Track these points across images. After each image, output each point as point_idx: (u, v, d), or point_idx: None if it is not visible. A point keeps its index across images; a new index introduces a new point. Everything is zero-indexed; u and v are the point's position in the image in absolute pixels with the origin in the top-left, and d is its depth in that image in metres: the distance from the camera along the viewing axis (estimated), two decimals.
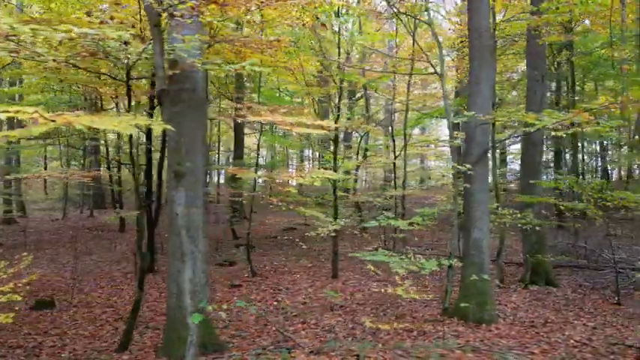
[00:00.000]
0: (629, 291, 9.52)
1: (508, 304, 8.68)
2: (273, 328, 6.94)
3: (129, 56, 6.03)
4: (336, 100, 10.81)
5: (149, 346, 6.43)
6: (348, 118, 14.15)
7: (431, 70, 8.31)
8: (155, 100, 7.53)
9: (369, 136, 17.63)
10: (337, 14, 10.17)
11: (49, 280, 10.91)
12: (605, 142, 22.40)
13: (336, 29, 10.41)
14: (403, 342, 5.85)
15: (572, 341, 6.45)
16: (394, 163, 13.74)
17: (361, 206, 14.48)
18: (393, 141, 14.36)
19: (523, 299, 9.02)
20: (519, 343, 6.25)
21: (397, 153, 14.20)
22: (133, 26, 6.85)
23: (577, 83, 18.21)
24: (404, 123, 13.63)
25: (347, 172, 12.39)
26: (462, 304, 7.40)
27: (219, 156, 23.39)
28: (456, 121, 7.51)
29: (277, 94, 17.44)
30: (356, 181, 15.45)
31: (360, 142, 16.13)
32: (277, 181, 5.27)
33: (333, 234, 9.92)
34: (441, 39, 8.20)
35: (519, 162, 13.56)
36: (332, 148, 11.50)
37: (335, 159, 11.34)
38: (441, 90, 8.43)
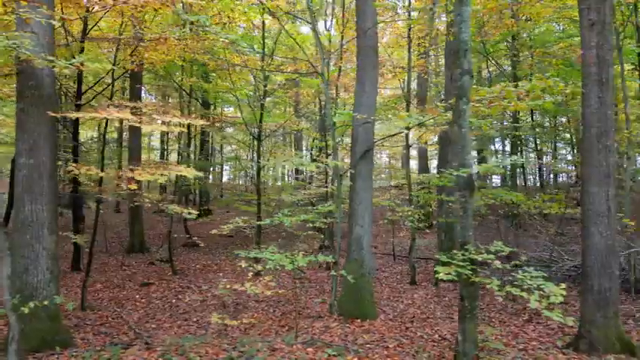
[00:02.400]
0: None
1: (405, 301, 8.79)
2: (150, 325, 6.97)
3: None
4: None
5: None
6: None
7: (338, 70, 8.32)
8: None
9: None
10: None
11: None
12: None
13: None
14: (248, 337, 5.90)
15: (436, 336, 6.54)
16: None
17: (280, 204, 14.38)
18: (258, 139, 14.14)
19: (425, 296, 9.13)
20: (380, 338, 6.33)
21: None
22: None
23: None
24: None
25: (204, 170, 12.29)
26: (343, 301, 7.50)
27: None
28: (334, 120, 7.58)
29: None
30: (278, 178, 15.40)
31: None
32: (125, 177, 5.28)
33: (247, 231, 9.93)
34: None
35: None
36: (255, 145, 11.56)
37: (259, 156, 11.40)
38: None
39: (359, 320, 7.11)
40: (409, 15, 10.26)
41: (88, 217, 14.04)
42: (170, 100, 22.91)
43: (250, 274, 6.24)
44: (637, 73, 13.58)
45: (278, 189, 19.49)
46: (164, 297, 8.96)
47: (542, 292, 4.02)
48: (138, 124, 5.49)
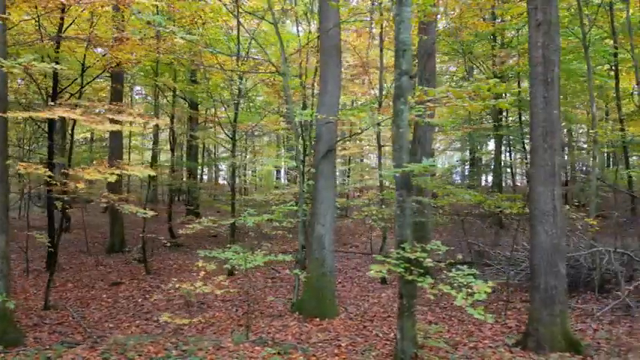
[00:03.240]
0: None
1: (371, 300, 8.82)
2: (109, 324, 7.00)
3: None
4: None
5: None
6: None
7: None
8: None
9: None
10: None
11: None
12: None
13: None
14: (199, 336, 5.93)
15: (392, 335, 6.56)
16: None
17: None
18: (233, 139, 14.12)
19: (392, 295, 9.14)
20: (335, 337, 6.37)
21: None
22: None
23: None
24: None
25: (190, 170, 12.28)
26: (304, 300, 7.53)
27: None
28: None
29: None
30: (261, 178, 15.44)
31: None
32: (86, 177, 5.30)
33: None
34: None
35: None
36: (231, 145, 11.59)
37: (233, 156, 11.41)
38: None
39: (318, 319, 7.14)
40: (371, 15, 10.25)
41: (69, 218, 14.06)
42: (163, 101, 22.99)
43: (202, 273, 6.24)
44: (613, 72, 13.67)
45: (265, 189, 19.55)
46: (131, 296, 8.98)
47: (469, 290, 4.05)
48: (88, 124, 5.50)
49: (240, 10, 8.63)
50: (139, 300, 8.74)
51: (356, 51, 12.13)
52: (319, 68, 7.77)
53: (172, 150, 15.19)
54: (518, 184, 23.91)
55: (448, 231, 14.53)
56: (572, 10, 9.95)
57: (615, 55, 12.96)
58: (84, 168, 5.51)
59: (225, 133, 11.86)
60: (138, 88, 23.87)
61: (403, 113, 4.70)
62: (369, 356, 5.52)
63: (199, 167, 24.71)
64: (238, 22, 11.31)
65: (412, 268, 4.42)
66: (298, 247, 7.80)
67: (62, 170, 6.22)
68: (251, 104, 16.01)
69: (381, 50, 10.57)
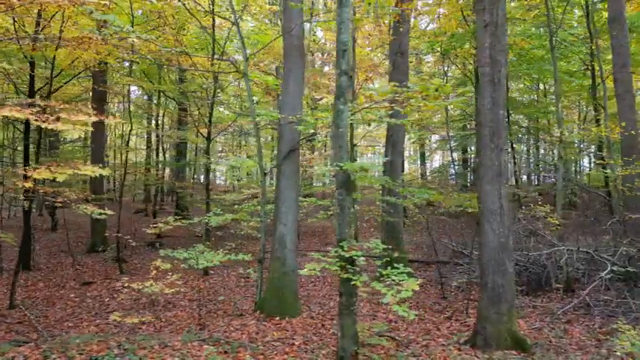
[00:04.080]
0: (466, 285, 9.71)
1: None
2: (68, 324, 7.02)
3: None
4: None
5: None
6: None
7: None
8: None
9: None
10: None
11: None
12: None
13: None
14: (157, 334, 5.96)
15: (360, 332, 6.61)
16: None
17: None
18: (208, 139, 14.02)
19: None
20: (291, 335, 6.40)
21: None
22: None
23: None
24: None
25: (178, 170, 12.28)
26: (266, 299, 7.57)
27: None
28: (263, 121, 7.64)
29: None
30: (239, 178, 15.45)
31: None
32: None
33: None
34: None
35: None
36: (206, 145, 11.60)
37: (207, 155, 11.44)
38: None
39: (278, 318, 7.17)
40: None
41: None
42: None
43: (153, 272, 6.27)
44: (589, 72, 13.75)
45: (245, 188, 19.58)
46: (99, 296, 9.00)
47: (399, 288, 4.09)
48: (40, 124, 5.52)
49: (200, 9, 8.66)
50: (106, 300, 8.77)
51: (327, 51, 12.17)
52: (283, 69, 7.78)
53: (155, 150, 15.22)
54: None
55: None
56: (539, 10, 9.99)
57: (591, 55, 13.05)
58: (35, 168, 5.52)
59: (200, 133, 11.87)
60: (134, 88, 23.96)
61: (343, 113, 4.74)
62: (319, 354, 5.55)
63: (188, 167, 24.81)
64: (213, 25, 11.36)
65: (347, 266, 4.45)
66: (260, 246, 7.82)
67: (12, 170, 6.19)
68: (238, 104, 16.06)
69: (353, 50, 10.61)
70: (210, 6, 10.92)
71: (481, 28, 5.67)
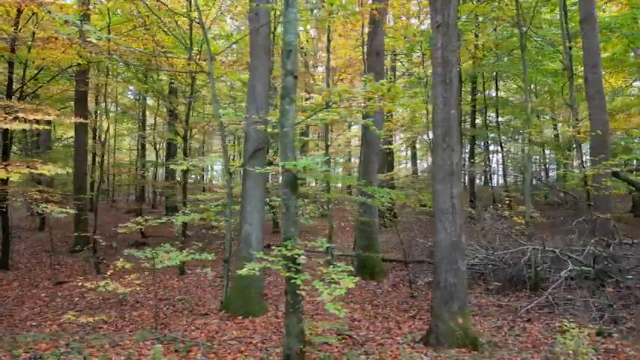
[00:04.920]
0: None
1: (309, 298, 8.86)
2: (32, 323, 7.04)
3: None
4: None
5: None
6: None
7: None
8: None
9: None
10: None
11: None
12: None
13: None
14: (114, 334, 5.99)
15: (320, 331, 6.64)
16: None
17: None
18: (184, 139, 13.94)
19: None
20: (251, 335, 6.43)
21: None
22: None
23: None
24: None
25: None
26: (231, 298, 7.60)
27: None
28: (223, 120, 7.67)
29: None
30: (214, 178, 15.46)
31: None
32: None
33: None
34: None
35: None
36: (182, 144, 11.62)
37: (185, 155, 11.45)
38: None
39: (241, 317, 7.20)
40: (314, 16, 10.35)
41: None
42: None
43: (110, 272, 6.29)
44: (567, 72, 13.79)
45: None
46: (69, 295, 9.01)
47: (336, 286, 4.12)
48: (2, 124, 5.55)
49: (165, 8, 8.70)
50: (76, 299, 8.78)
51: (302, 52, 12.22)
52: (249, 68, 7.82)
53: (138, 150, 15.22)
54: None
55: (410, 230, 14.65)
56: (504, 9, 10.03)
57: (568, 55, 13.09)
58: None
59: (176, 132, 11.90)
60: (132, 87, 23.99)
61: (289, 113, 4.77)
62: (272, 353, 5.58)
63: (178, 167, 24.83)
64: (191, 27, 11.39)
65: (290, 265, 4.49)
66: (224, 246, 7.85)
67: None
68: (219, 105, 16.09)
69: (328, 51, 10.65)
70: (188, 6, 10.94)
71: (434, 28, 5.71)
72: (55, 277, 10.71)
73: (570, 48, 12.07)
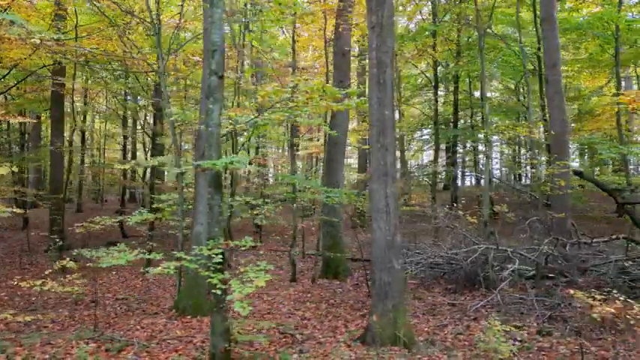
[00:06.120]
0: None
1: (266, 297, 8.91)
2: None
3: None
4: None
5: None
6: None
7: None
8: None
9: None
10: None
11: None
12: None
13: None
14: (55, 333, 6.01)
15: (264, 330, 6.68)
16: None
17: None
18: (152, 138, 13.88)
19: (294, 293, 9.24)
20: (194, 334, 6.44)
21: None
22: None
23: None
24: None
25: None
26: (182, 298, 7.62)
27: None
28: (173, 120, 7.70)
29: None
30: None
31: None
32: None
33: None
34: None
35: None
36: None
37: (153, 154, 11.44)
38: None
39: (190, 316, 7.22)
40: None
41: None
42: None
43: (47, 271, 6.31)
44: (537, 73, 13.89)
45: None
46: (28, 294, 9.03)
47: (250, 284, 4.16)
48: None
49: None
50: (34, 298, 8.80)
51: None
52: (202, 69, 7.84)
53: (122, 150, 15.22)
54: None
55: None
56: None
57: (539, 57, 13.19)
58: None
59: (145, 132, 11.92)
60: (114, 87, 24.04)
61: (213, 112, 4.80)
62: (207, 352, 5.61)
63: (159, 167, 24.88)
64: (159, 28, 11.39)
65: (209, 264, 4.52)
66: (175, 245, 7.88)
67: None
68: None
69: (294, 51, 10.69)
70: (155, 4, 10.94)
71: (369, 29, 5.75)
72: (23, 277, 10.71)
73: (539, 49, 12.17)
